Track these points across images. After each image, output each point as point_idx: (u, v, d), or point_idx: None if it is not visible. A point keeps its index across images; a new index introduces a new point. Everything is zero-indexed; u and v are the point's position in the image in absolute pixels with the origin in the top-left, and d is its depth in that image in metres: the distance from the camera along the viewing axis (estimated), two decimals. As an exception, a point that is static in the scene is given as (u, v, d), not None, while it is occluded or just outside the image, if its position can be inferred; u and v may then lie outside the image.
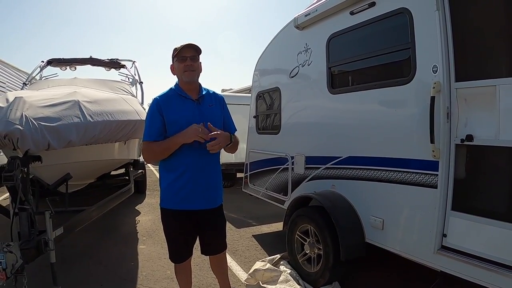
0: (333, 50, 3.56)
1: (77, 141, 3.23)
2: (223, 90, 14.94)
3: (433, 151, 2.48)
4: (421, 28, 2.61)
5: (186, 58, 2.42)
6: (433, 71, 2.51)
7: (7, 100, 2.97)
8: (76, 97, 3.39)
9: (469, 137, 2.36)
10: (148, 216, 6.05)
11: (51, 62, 7.16)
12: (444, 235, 2.50)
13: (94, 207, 3.99)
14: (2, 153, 5.01)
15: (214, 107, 2.55)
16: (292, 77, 4.25)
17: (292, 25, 4.05)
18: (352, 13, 3.21)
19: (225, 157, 7.63)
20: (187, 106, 2.45)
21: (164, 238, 2.63)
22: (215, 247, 2.67)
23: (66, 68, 7.31)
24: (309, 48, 3.89)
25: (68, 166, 3.86)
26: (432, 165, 2.52)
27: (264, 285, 3.24)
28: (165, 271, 3.80)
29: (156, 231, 5.17)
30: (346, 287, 3.28)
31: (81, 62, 7.30)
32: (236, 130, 2.72)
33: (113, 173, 6.64)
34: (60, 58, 7.19)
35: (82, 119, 3.24)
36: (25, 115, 2.73)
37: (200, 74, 2.54)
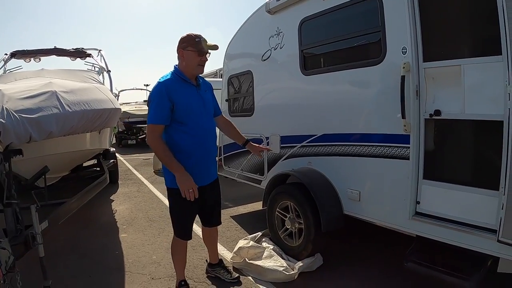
0: (305, 34, 3.69)
1: (57, 132, 3.21)
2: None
3: (405, 125, 2.69)
4: (390, 12, 2.79)
5: (206, 53, 2.64)
6: (402, 52, 2.70)
7: None
8: (52, 87, 3.34)
9: (437, 112, 2.59)
10: (125, 205, 6.03)
11: (15, 55, 6.89)
12: (418, 202, 2.74)
13: (74, 198, 3.96)
14: None
15: (207, 93, 2.79)
16: (264, 60, 4.35)
17: (264, 9, 4.14)
18: (323, -3, 3.34)
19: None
20: (191, 91, 2.65)
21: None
22: (216, 219, 3.10)
23: (30, 60, 7.06)
24: (281, 32, 4.00)
25: (45, 159, 3.80)
26: (404, 139, 2.74)
27: (250, 261, 3.40)
28: (151, 257, 3.88)
29: (135, 219, 5.20)
30: (327, 258, 3.50)
31: (46, 53, 7.06)
32: (221, 112, 3.10)
33: (84, 164, 6.54)
34: (24, 50, 6.92)
35: (60, 109, 3.21)
36: (5, 108, 2.70)
37: None
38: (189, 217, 2.86)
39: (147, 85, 30.57)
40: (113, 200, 6.43)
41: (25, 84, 3.59)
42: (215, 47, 2.69)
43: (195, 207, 2.79)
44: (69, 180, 5.74)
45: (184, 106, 2.57)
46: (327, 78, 3.46)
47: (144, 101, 20.68)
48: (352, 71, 3.19)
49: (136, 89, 22.90)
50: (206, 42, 2.65)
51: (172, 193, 2.72)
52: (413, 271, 2.77)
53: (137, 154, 12.76)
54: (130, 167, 10.15)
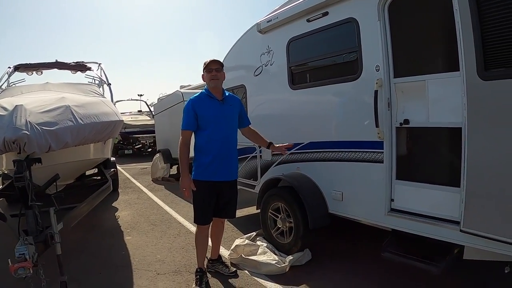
0: (292, 52, 4.13)
1: (71, 142, 3.57)
2: (181, 87, 14.95)
3: (378, 133, 3.11)
4: (366, 35, 3.22)
5: (212, 69, 3.31)
6: (376, 70, 3.13)
7: (4, 108, 3.24)
8: (65, 102, 3.70)
9: (406, 121, 3.02)
10: (127, 211, 6.37)
11: (18, 68, 7.18)
12: (392, 200, 3.16)
13: (84, 203, 4.31)
14: None
15: (233, 106, 3.45)
16: (257, 75, 4.77)
17: (255, 29, 4.56)
18: (308, 21, 3.78)
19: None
20: (214, 105, 3.32)
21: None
22: (228, 212, 3.57)
23: (32, 73, 7.36)
24: (271, 50, 4.43)
25: (56, 167, 4.14)
26: (378, 145, 3.17)
27: (246, 257, 3.77)
28: (155, 256, 4.22)
29: (138, 224, 5.54)
30: (315, 253, 3.88)
31: (48, 66, 7.37)
32: (250, 123, 3.69)
33: (87, 173, 6.88)
34: (27, 64, 7.22)
35: (74, 122, 3.57)
36: (28, 121, 3.03)
37: (223, 81, 3.44)
38: (207, 206, 3.39)
39: (141, 95, 30.86)
40: (115, 207, 6.76)
41: (40, 98, 3.92)
42: (212, 60, 3.34)
43: (212, 198, 3.38)
44: (74, 188, 6.06)
45: (205, 116, 3.27)
46: (313, 92, 3.90)
47: (139, 111, 20.90)
48: (333, 86, 3.63)
49: (132, 99, 23.13)
50: (213, 62, 3.34)
51: (196, 184, 3.30)
52: (390, 261, 3.16)
53: (134, 164, 13.06)
54: (129, 176, 10.48)
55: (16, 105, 3.15)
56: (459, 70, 2.56)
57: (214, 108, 3.32)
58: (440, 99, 2.86)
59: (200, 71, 3.40)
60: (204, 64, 3.37)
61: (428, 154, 3.12)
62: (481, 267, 3.32)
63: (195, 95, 3.41)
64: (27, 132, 2.95)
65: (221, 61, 3.39)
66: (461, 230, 2.62)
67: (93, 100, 4.69)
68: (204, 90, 3.43)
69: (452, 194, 2.74)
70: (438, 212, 2.87)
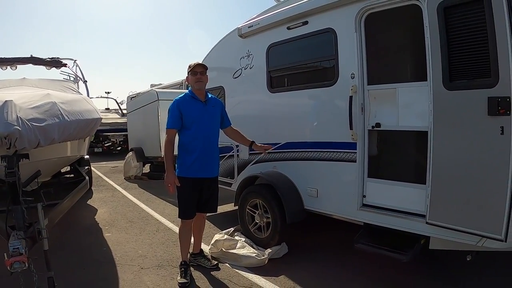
0: (272, 57, 4.37)
1: (57, 139, 3.60)
2: (152, 85, 14.85)
3: (352, 135, 3.41)
4: (343, 44, 3.51)
5: (197, 73, 3.52)
6: (351, 77, 3.42)
7: None
8: (52, 98, 3.73)
9: (378, 124, 3.33)
10: (104, 209, 6.40)
11: None
12: (364, 196, 3.46)
13: (66, 199, 4.35)
14: None
15: (215, 108, 3.68)
16: (236, 78, 4.98)
17: (236, 33, 4.77)
18: (289, 28, 4.03)
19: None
20: (198, 106, 3.48)
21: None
22: (210, 206, 3.79)
23: (6, 68, 7.19)
24: (251, 54, 4.65)
25: (38, 164, 4.16)
26: (352, 146, 3.46)
27: (227, 251, 3.96)
28: (137, 251, 4.33)
29: (116, 221, 5.61)
30: (291, 247, 4.14)
31: (22, 61, 7.21)
32: (230, 123, 3.89)
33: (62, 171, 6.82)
34: (1, 58, 7.05)
35: (61, 118, 3.61)
36: (19, 116, 3.05)
37: (206, 83, 3.67)
38: (190, 201, 3.59)
39: (109, 92, 30.26)
40: (90, 205, 6.77)
41: (25, 94, 3.91)
42: (197, 63, 3.56)
43: (194, 193, 3.58)
44: (50, 185, 6.01)
45: (189, 116, 3.48)
46: (290, 95, 4.18)
47: (106, 109, 20.56)
48: (311, 90, 3.92)
49: (102, 97, 22.70)
50: (198, 66, 3.55)
51: (180, 180, 3.49)
52: (362, 252, 3.45)
53: (105, 162, 12.93)
54: (101, 174, 10.40)
55: (6, 100, 3.15)
56: (426, 80, 2.88)
57: (197, 108, 3.53)
58: (409, 106, 3.20)
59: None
60: (189, 67, 3.57)
61: (397, 155, 3.47)
62: (446, 257, 3.68)
63: (180, 96, 3.62)
64: (19, 128, 2.95)
65: (205, 64, 3.62)
66: (427, 223, 2.94)
67: (75, 97, 4.72)
68: (188, 92, 3.64)
69: (419, 190, 3.07)
70: (406, 206, 3.19)
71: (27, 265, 2.81)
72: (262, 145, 3.89)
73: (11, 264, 2.73)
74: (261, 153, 4.49)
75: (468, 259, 2.92)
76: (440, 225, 2.84)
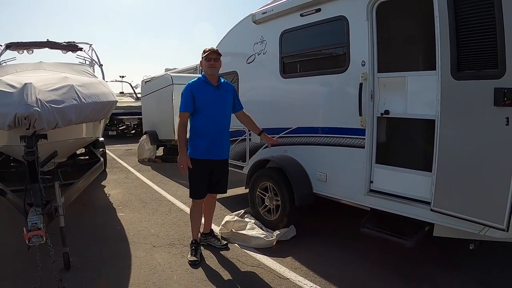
0: (285, 43, 4.41)
1: (75, 120, 3.75)
2: (166, 70, 15.01)
3: (361, 121, 3.46)
4: (354, 32, 3.53)
5: (211, 59, 3.61)
6: (362, 64, 3.45)
7: (11, 85, 3.38)
8: (69, 82, 3.87)
9: (387, 112, 3.36)
10: (117, 190, 6.59)
11: (10, 46, 7.14)
12: (371, 182, 3.52)
13: (81, 179, 4.52)
14: None
15: (227, 92, 3.78)
16: (249, 63, 5.03)
17: (250, 19, 4.81)
18: (302, 15, 4.06)
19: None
20: (210, 90, 3.60)
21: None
22: (220, 187, 3.93)
23: (23, 52, 7.36)
24: (265, 40, 4.69)
25: (55, 145, 4.32)
26: (361, 132, 3.52)
27: (237, 232, 4.09)
28: (149, 230, 4.49)
29: (129, 201, 5.78)
30: (299, 230, 4.24)
31: (39, 45, 7.38)
32: (242, 108, 3.98)
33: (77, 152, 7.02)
34: (18, 42, 7.20)
35: (78, 101, 3.75)
36: (38, 98, 3.19)
37: (220, 69, 3.77)
38: (202, 181, 3.73)
39: (123, 76, 30.54)
40: (105, 186, 6.96)
41: (44, 77, 4.04)
42: (211, 50, 3.64)
43: (205, 174, 3.72)
44: (66, 166, 6.19)
45: (202, 100, 3.58)
46: (302, 81, 4.23)
47: (120, 92, 20.82)
48: (322, 77, 3.96)
49: (116, 81, 22.96)
50: (212, 52, 3.63)
51: (192, 162, 3.62)
52: (367, 236, 3.53)
53: (119, 145, 13.15)
54: (115, 157, 10.61)
55: (25, 83, 3.28)
56: (435, 70, 2.89)
57: (210, 93, 3.63)
58: (417, 94, 3.22)
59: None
60: (204, 52, 3.66)
61: (405, 142, 3.52)
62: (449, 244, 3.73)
63: (193, 80, 3.71)
64: (38, 109, 3.09)
65: (219, 50, 3.70)
66: (431, 209, 2.99)
67: (92, 80, 4.86)
68: (201, 76, 3.74)
69: (425, 177, 3.11)
70: (412, 193, 3.24)
71: (44, 240, 2.96)
72: (271, 137, 4.02)
73: (29, 238, 2.88)
74: (273, 137, 4.58)
75: (471, 247, 2.95)
76: (444, 213, 2.89)
